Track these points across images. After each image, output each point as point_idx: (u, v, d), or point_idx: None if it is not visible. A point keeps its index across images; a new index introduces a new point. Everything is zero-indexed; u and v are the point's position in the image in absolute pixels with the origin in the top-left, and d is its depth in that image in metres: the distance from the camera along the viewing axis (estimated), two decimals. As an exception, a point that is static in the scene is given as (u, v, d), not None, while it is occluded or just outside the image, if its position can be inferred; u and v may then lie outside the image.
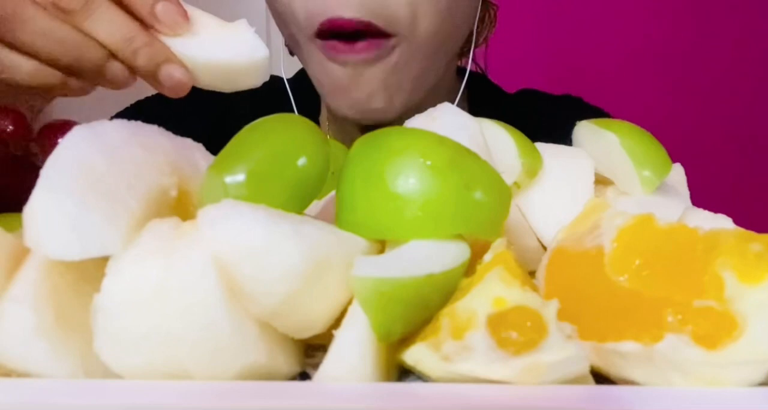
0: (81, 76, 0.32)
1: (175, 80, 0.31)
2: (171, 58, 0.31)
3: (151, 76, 0.31)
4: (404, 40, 0.47)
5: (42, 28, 0.30)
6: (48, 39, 0.30)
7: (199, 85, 0.32)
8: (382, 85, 0.48)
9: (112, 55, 0.31)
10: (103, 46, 0.30)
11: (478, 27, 0.56)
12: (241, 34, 0.32)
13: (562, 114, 0.45)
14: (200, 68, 0.31)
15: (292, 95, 0.58)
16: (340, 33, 0.46)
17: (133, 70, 0.31)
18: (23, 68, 0.31)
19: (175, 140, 0.26)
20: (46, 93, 0.33)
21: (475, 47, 0.59)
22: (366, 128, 0.57)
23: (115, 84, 0.32)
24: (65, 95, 0.33)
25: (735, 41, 1.12)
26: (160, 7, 0.30)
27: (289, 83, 0.59)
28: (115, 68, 0.31)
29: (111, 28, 0.30)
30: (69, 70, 0.31)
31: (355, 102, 0.49)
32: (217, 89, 0.32)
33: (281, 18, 0.50)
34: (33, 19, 0.30)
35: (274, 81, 0.65)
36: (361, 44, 0.46)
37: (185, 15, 0.31)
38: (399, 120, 0.52)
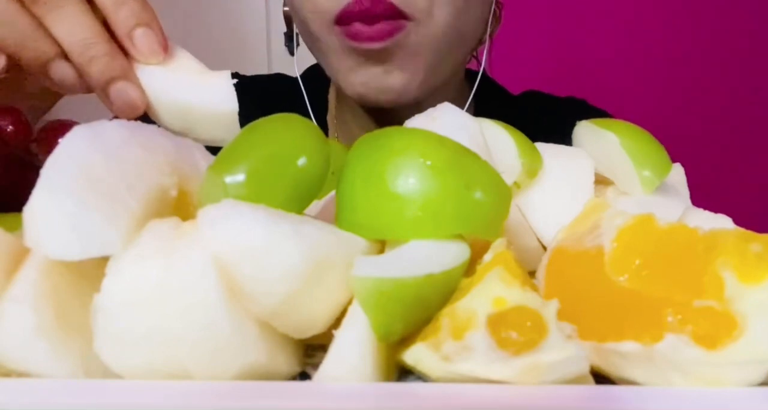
0: (24, 67, 0.30)
1: (126, 99, 0.29)
2: (129, 76, 0.29)
3: (101, 89, 0.29)
4: (420, 26, 0.47)
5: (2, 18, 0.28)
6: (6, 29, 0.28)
7: (155, 121, 0.30)
8: (399, 65, 0.49)
9: (65, 56, 0.29)
10: (57, 43, 0.29)
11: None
12: (218, 83, 0.30)
13: (566, 115, 0.46)
14: (161, 104, 0.29)
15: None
16: (362, 17, 0.46)
17: (83, 76, 0.29)
18: None
19: (175, 140, 0.26)
20: None
21: (480, 46, 0.59)
22: (374, 120, 0.57)
23: (61, 87, 0.30)
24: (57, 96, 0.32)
25: (735, 41, 1.12)
26: (139, 32, 0.29)
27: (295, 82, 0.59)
28: (62, 69, 0.29)
29: (72, 28, 0.28)
30: (11, 57, 0.29)
31: (372, 77, 0.49)
32: (174, 131, 0.30)
33: (298, 8, 0.50)
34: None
35: (282, 81, 0.65)
36: (380, 25, 0.46)
37: (165, 46, 0.30)
38: (410, 109, 0.52)
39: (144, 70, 0.29)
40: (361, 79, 0.49)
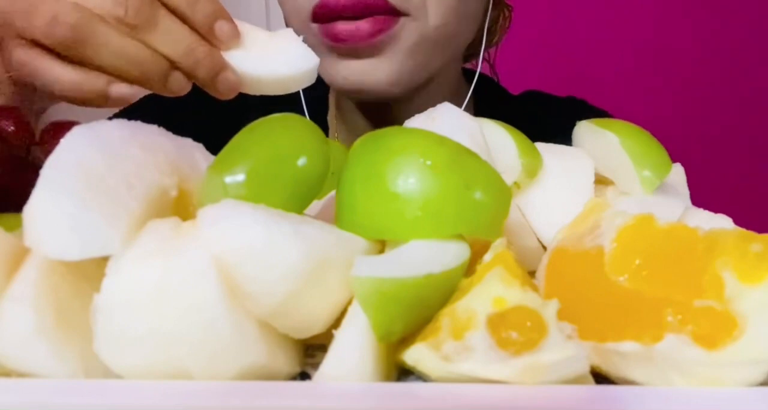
0: (144, 87, 0.33)
1: (230, 86, 0.32)
2: (225, 66, 0.32)
3: (209, 85, 0.32)
4: (412, 21, 0.47)
5: (115, 48, 0.31)
6: (119, 58, 0.31)
7: (246, 93, 0.34)
8: (385, 60, 0.48)
9: (173, 65, 0.32)
10: (165, 57, 0.31)
11: (491, 26, 0.56)
12: (289, 45, 0.34)
13: (566, 116, 0.45)
14: (253, 81, 0.33)
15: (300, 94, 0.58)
16: (345, 12, 0.46)
17: (191, 78, 0.33)
18: (63, 80, 0.31)
19: (175, 140, 0.26)
20: (80, 104, 0.33)
21: (488, 47, 0.59)
22: (374, 120, 0.57)
23: (174, 92, 0.33)
24: (100, 106, 0.34)
25: (736, 41, 1.12)
26: (218, 25, 0.32)
27: None
28: (178, 79, 0.32)
29: (174, 41, 0.31)
30: (133, 83, 0.32)
31: (353, 72, 0.48)
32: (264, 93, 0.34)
33: (281, 4, 0.50)
34: (107, 40, 0.30)
35: None
36: (366, 24, 0.46)
37: (238, 32, 0.33)
38: (394, 112, 0.51)
39: (228, 56, 0.33)
40: (342, 73, 0.49)
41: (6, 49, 0.31)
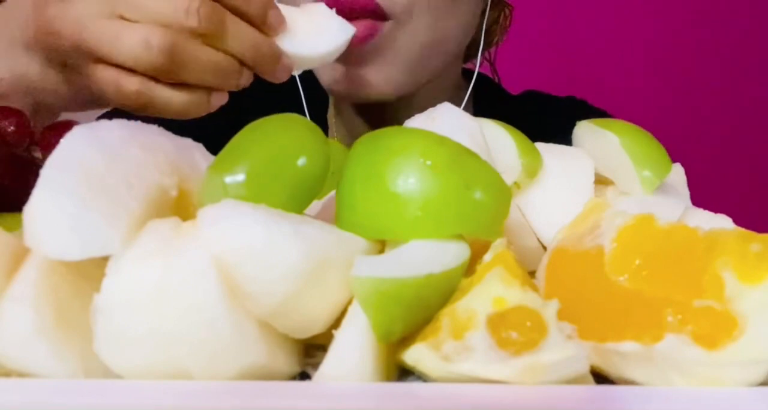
0: (222, 89, 0.35)
1: (287, 71, 0.35)
2: (281, 53, 0.35)
3: (270, 73, 0.35)
4: (399, 27, 0.46)
5: (203, 62, 0.32)
6: (206, 70, 0.32)
7: (295, 71, 0.38)
8: (374, 67, 0.48)
9: (241, 62, 0.34)
10: (235, 57, 0.33)
11: (490, 26, 0.55)
12: (325, 20, 0.37)
13: (566, 116, 0.45)
14: (299, 60, 0.36)
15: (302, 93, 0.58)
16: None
17: (254, 70, 0.35)
18: (174, 102, 0.33)
19: (175, 140, 0.26)
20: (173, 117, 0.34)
21: (488, 48, 0.59)
22: (374, 120, 0.57)
23: (241, 88, 0.35)
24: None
25: (736, 41, 1.12)
26: (270, 14, 0.34)
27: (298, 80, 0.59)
28: (247, 76, 0.35)
29: (240, 41, 0.33)
30: (214, 88, 0.34)
31: (341, 76, 0.48)
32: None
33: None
34: (196, 56, 0.32)
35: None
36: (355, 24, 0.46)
37: (284, 17, 0.35)
38: (393, 113, 0.51)
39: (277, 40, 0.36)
40: (331, 75, 0.49)
41: (91, 75, 0.33)
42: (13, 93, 0.36)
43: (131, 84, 0.32)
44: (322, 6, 0.38)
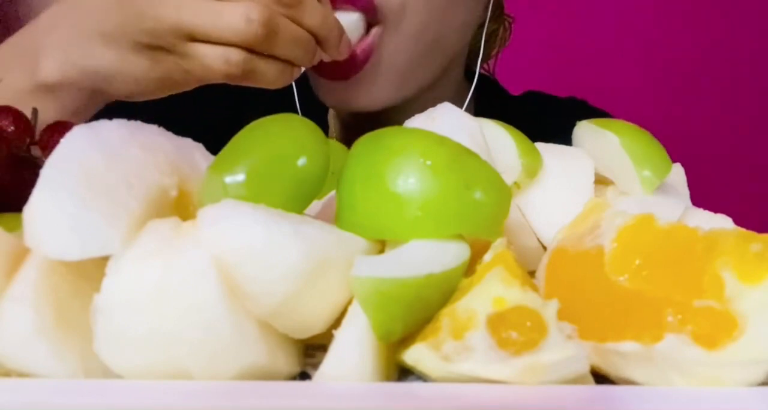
0: (300, 65, 0.37)
1: (347, 48, 0.37)
2: (343, 29, 0.37)
3: (334, 48, 0.37)
4: (390, 30, 0.46)
5: (292, 35, 0.34)
6: (293, 43, 0.34)
7: None
8: (367, 76, 0.47)
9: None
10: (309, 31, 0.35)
11: (489, 39, 0.55)
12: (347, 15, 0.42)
13: (566, 116, 0.45)
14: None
15: (297, 93, 0.58)
16: None
17: (323, 47, 0.37)
18: (270, 73, 0.35)
19: (175, 140, 0.26)
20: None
21: (487, 59, 0.59)
22: (374, 120, 0.57)
23: (311, 64, 0.37)
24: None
25: (736, 41, 1.12)
26: None
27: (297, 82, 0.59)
28: (320, 54, 0.36)
29: (311, 14, 0.35)
30: (296, 64, 0.36)
31: (332, 90, 0.49)
32: None
33: None
34: (286, 29, 0.34)
35: None
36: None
37: None
38: (392, 116, 0.52)
39: None
40: (323, 87, 0.49)
41: (191, 53, 0.34)
42: (69, 85, 0.37)
43: (238, 56, 0.34)
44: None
